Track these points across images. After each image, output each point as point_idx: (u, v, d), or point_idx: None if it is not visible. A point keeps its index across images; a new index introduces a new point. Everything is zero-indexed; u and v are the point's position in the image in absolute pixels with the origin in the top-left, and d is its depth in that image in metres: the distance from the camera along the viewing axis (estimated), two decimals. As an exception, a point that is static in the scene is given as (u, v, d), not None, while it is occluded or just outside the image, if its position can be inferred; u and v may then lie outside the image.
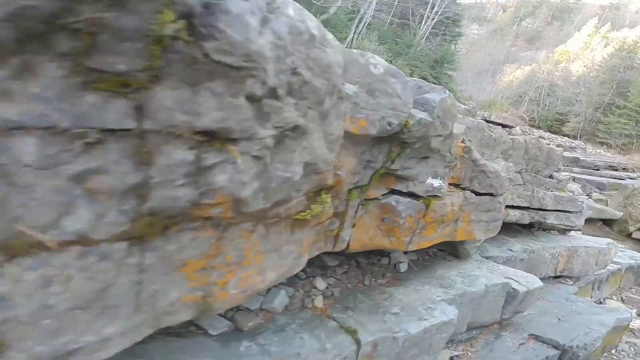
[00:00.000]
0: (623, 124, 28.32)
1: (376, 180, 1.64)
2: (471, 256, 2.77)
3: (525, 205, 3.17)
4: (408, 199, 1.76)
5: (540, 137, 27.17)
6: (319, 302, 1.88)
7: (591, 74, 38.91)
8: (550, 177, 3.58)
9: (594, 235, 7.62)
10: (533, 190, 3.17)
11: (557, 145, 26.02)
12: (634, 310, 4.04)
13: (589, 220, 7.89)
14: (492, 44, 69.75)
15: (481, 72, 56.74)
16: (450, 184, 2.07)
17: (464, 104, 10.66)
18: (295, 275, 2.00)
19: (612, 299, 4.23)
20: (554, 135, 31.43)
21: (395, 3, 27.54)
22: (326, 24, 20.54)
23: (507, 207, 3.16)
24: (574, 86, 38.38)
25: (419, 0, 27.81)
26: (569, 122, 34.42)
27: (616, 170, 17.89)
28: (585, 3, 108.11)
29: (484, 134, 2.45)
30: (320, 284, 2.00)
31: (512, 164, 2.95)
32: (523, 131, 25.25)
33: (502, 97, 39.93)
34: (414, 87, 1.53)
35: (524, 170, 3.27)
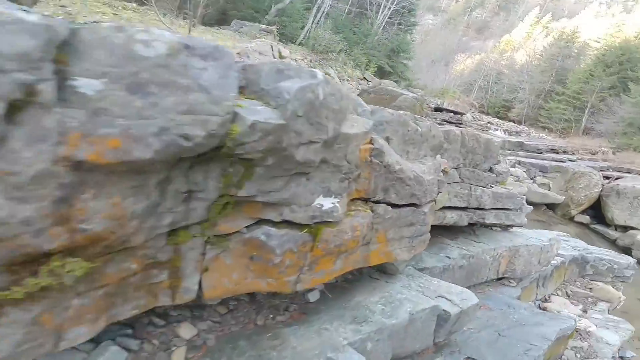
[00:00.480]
0: (562, 109, 29.93)
1: (225, 210, 1.07)
2: (402, 272, 2.32)
3: (463, 205, 2.78)
4: (284, 231, 1.22)
5: (489, 122, 28.03)
6: (178, 357, 1.30)
7: (533, 63, 40.79)
8: (490, 170, 3.23)
9: (539, 221, 7.72)
10: (471, 188, 2.78)
11: (504, 130, 27.02)
12: (579, 307, 3.88)
13: (534, 205, 7.94)
14: (445, 34, 71.55)
15: (435, 61, 57.96)
16: (356, 199, 1.55)
17: (412, 92, 10.45)
18: (151, 322, 1.41)
19: (557, 294, 4.06)
20: (501, 121, 32.76)
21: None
22: (282, 13, 19.52)
23: (444, 208, 2.74)
24: (518, 74, 40.11)
25: None
26: (514, 108, 36.02)
27: (557, 153, 18.74)
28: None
29: (407, 129, 1.96)
30: (186, 331, 1.42)
31: (446, 160, 2.52)
32: (473, 117, 25.95)
33: (454, 85, 40.93)
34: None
35: (461, 165, 2.86)
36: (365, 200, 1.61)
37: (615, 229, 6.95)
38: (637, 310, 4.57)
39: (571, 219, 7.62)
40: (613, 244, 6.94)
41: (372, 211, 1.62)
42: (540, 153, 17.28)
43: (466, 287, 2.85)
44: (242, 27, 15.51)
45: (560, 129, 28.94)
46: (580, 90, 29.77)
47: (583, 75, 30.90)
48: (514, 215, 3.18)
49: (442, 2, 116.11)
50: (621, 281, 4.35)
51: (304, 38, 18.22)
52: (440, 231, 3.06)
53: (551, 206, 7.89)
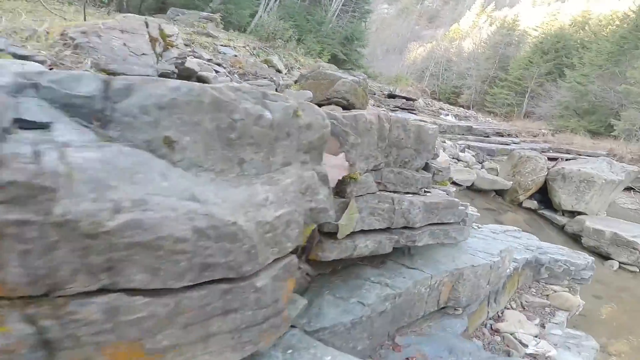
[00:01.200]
0: (505, 94, 30.72)
1: None
2: (275, 343, 1.32)
3: (384, 226, 1.84)
4: None
5: (440, 108, 28.07)
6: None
7: (479, 51, 41.68)
8: (425, 168, 2.34)
9: (489, 209, 7.18)
10: (394, 200, 1.84)
11: (455, 115, 27.22)
12: (536, 321, 3.15)
13: (483, 192, 7.37)
14: (399, 23, 71.72)
15: (389, 49, 57.88)
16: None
17: (354, 75, 9.70)
18: None
19: (512, 306, 3.34)
20: (451, 106, 33.14)
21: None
22: (228, 0, 17.85)
23: (356, 233, 1.76)
24: (465, 62, 40.83)
25: None
26: (463, 94, 36.62)
27: (502, 136, 18.91)
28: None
29: (230, 117, 0.92)
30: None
31: (350, 161, 1.53)
32: (426, 103, 25.74)
33: (408, 72, 40.97)
34: None
35: (382, 165, 1.91)
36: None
37: (563, 214, 6.50)
38: (595, 312, 4.01)
39: (520, 204, 7.13)
40: (562, 230, 6.50)
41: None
42: (487, 137, 17.32)
43: (396, 330, 1.93)
44: (178, 15, 13.84)
45: (504, 113, 29.72)
46: (521, 76, 30.64)
47: (523, 62, 31.82)
48: (454, 231, 2.29)
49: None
50: (579, 283, 3.72)
51: (255, 26, 16.82)
52: (359, 259, 2.12)
53: (500, 192, 7.35)
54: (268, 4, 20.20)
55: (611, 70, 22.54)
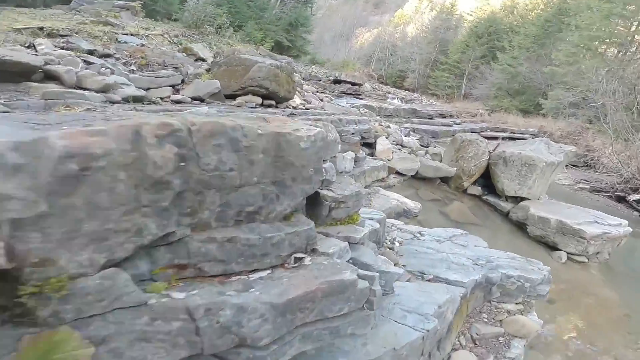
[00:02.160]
0: (446, 77, 31.11)
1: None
2: None
3: (183, 355, 0.77)
4: None
5: (387, 92, 27.62)
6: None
7: (421, 35, 41.85)
8: (312, 206, 1.31)
9: (435, 200, 6.46)
10: (191, 312, 0.79)
11: (401, 99, 26.97)
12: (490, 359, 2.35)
13: (428, 180, 6.64)
14: (346, 9, 70.24)
15: (337, 35, 56.52)
16: None
17: (276, 59, 8.07)
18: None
19: (460, 344, 2.52)
20: (398, 90, 33.13)
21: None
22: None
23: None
24: (409, 46, 40.82)
25: None
26: (408, 77, 36.68)
27: (445, 117, 18.82)
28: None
29: None
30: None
31: None
32: (373, 88, 25.03)
33: (355, 58, 40.12)
34: None
35: (177, 233, 0.81)
36: None
37: (507, 200, 5.92)
38: (553, 326, 3.35)
39: (465, 191, 6.50)
40: (506, 217, 5.95)
41: None
42: (431, 118, 17.05)
43: None
44: (82, 5, 11.49)
45: (446, 95, 30.13)
46: (459, 59, 31.13)
47: (460, 45, 32.34)
48: (351, 324, 1.27)
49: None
50: (534, 299, 2.99)
51: (184, 14, 14.76)
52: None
53: (445, 179, 6.66)
54: (208, -9, 17.99)
55: (537, 53, 23.35)
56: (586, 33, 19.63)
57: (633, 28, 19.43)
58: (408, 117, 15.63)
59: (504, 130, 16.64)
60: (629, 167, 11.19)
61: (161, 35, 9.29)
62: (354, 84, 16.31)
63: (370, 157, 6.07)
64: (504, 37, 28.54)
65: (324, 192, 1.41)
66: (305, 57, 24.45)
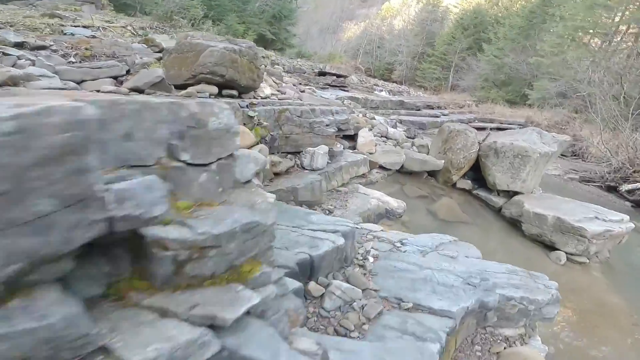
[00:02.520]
0: (433, 69, 30.58)
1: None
2: None
3: None
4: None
5: (375, 84, 26.93)
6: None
7: (408, 28, 41.18)
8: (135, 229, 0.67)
9: (422, 197, 5.79)
10: None
11: (389, 91, 26.29)
12: None
13: (415, 174, 6.03)
14: (335, 2, 68.91)
15: (324, 29, 55.45)
16: None
17: (235, 42, 7.35)
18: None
19: None
20: (385, 82, 32.48)
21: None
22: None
23: None
24: (397, 39, 40.13)
25: None
26: (395, 70, 36.07)
27: (432, 108, 18.28)
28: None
29: None
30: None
31: None
32: (360, 80, 24.31)
33: (342, 51, 39.24)
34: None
35: None
36: None
37: (499, 194, 5.35)
38: (558, 348, 2.77)
39: (454, 185, 5.93)
40: (499, 214, 5.39)
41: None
42: (419, 110, 16.46)
43: None
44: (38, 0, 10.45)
45: (433, 87, 29.64)
46: (446, 51, 30.60)
47: (447, 37, 31.79)
48: None
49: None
50: (540, 321, 2.40)
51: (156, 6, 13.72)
52: None
53: (432, 173, 6.06)
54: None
55: (522, 44, 22.97)
56: (570, 24, 19.40)
57: (617, 19, 19.18)
58: (395, 109, 15.03)
59: (491, 121, 16.18)
60: (618, 156, 10.83)
61: (123, 27, 8.46)
62: (339, 76, 15.59)
63: (350, 151, 5.42)
64: (490, 28, 28.15)
65: (154, 232, 0.75)
66: (291, 50, 23.48)
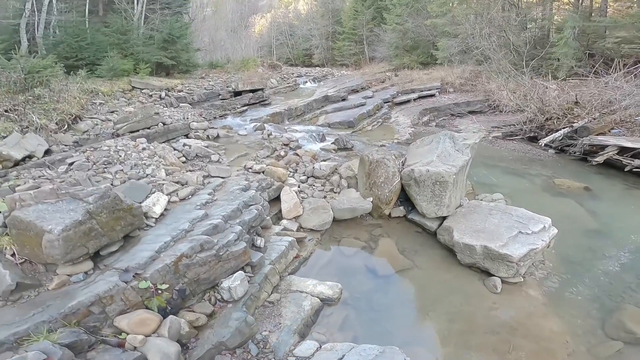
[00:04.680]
0: (348, 45, 30.20)
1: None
2: None
3: None
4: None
5: (297, 77, 25.76)
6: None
7: (313, 10, 40.07)
8: None
9: (357, 244, 5.43)
10: None
11: (313, 79, 25.31)
12: None
13: (351, 221, 5.63)
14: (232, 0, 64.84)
15: (232, 29, 52.31)
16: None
17: (86, 200, 5.60)
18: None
19: None
20: (308, 69, 31.52)
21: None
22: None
23: None
24: (306, 23, 38.99)
25: None
26: (314, 54, 35.26)
27: (357, 91, 17.92)
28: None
29: None
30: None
31: None
32: (281, 79, 23.14)
33: (256, 48, 37.25)
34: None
35: None
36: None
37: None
38: None
39: (389, 216, 5.65)
40: (435, 238, 5.21)
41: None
42: (345, 100, 15.84)
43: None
44: None
45: (354, 63, 29.41)
46: (353, 26, 30.25)
47: (350, 12, 31.36)
48: None
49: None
50: None
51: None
52: None
53: (364, 215, 5.77)
54: (38, 30, 14.20)
55: (416, 7, 23.04)
56: None
57: None
58: (321, 107, 14.45)
59: (412, 91, 16.28)
60: (527, 107, 11.34)
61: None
62: (254, 91, 14.62)
63: (275, 232, 4.86)
64: None
65: None
66: (197, 69, 21.16)
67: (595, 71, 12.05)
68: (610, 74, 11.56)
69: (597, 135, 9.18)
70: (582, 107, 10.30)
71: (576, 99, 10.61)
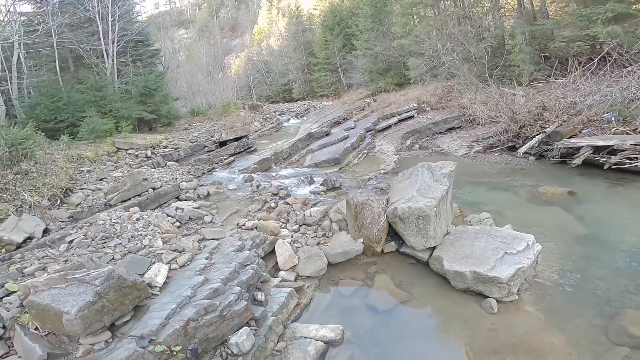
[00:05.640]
0: (324, 76, 31.70)
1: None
2: None
3: None
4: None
5: (280, 114, 26.81)
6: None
7: (285, 44, 42.22)
8: None
9: (355, 284, 5.80)
10: None
11: (296, 115, 26.28)
12: None
13: (346, 262, 5.98)
14: (204, 44, 67.83)
15: (209, 71, 54.43)
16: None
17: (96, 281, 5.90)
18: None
19: None
20: (290, 105, 32.83)
21: (55, 43, 19.08)
22: None
23: None
24: (280, 58, 40.94)
25: (89, 35, 20.68)
26: (293, 88, 36.71)
27: (340, 123, 18.81)
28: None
29: None
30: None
31: None
32: (264, 120, 24.07)
33: (235, 89, 38.67)
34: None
35: None
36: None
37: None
38: None
39: (382, 252, 6.02)
40: (428, 266, 5.58)
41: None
42: (328, 134, 16.56)
43: None
44: None
45: (333, 92, 30.74)
46: (326, 55, 31.88)
47: (321, 43, 33.13)
48: None
49: (187, 14, 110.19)
50: None
51: None
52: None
53: (358, 255, 6.14)
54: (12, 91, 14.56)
55: (380, 30, 24.47)
56: (403, 2, 20.37)
57: None
58: (306, 146, 15.06)
59: (392, 115, 17.22)
60: (500, 117, 12.10)
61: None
62: (238, 139, 15.29)
63: (274, 285, 5.20)
64: (351, 23, 29.27)
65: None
66: (179, 120, 21.47)
67: (554, 73, 13.02)
68: (567, 76, 12.46)
69: (569, 138, 9.86)
70: (550, 112, 11.09)
71: (543, 104, 11.45)
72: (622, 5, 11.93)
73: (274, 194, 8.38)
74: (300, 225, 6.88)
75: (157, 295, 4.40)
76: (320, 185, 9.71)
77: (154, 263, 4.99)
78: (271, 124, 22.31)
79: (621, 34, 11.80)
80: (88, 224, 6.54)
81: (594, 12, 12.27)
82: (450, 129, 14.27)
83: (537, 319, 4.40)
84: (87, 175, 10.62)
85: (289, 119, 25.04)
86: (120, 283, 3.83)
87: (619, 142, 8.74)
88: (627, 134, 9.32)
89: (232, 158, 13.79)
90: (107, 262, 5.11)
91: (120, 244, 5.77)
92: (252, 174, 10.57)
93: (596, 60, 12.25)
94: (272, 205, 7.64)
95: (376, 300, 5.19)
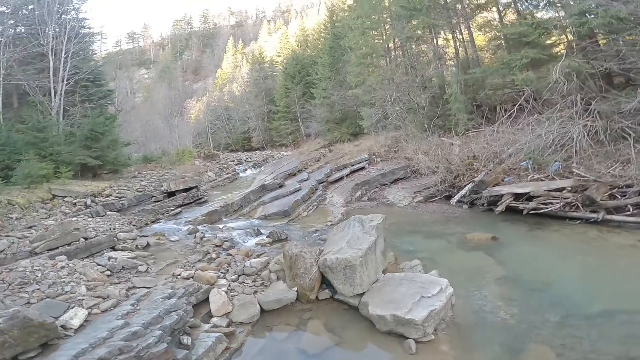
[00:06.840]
0: (283, 124, 33.38)
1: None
2: None
3: None
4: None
5: (236, 164, 27.27)
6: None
7: (246, 90, 44.25)
8: None
9: (288, 330, 6.20)
10: None
11: (253, 165, 26.75)
12: None
13: (282, 309, 6.40)
14: (165, 85, 68.80)
15: (167, 115, 54.74)
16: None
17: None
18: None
19: None
20: (247, 154, 33.46)
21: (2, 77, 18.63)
22: None
23: None
24: (241, 105, 42.62)
25: (37, 72, 20.47)
26: (252, 137, 37.87)
27: (294, 174, 19.76)
28: (220, 26, 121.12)
29: None
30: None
31: None
32: (220, 170, 24.49)
33: (192, 135, 39.24)
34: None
35: None
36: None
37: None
38: None
39: (317, 299, 6.53)
40: (358, 311, 6.14)
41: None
42: (282, 186, 16.74)
43: None
44: None
45: (292, 141, 32.22)
46: (286, 104, 33.86)
47: (282, 90, 35.21)
48: None
49: (149, 54, 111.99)
50: None
51: None
52: None
53: (294, 302, 6.61)
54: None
55: (337, 79, 26.62)
56: (358, 52, 22.28)
57: (385, 37, 22.36)
58: (259, 198, 15.11)
59: (345, 166, 18.57)
60: (437, 167, 13.62)
61: None
62: (188, 190, 15.54)
63: (204, 330, 5.48)
64: (311, 71, 31.06)
65: None
66: (127, 167, 21.06)
67: (484, 122, 14.62)
68: (495, 124, 13.82)
69: (493, 186, 11.39)
70: (479, 161, 12.70)
71: (473, 153, 13.16)
72: (534, 50, 13.21)
73: (217, 246, 8.74)
74: (239, 275, 7.28)
75: (71, 336, 4.58)
76: (267, 237, 10.20)
77: (72, 307, 5.16)
78: (227, 174, 22.53)
79: (534, 80, 12.92)
80: (8, 270, 6.54)
81: (512, 59, 13.47)
82: (396, 180, 15.69)
83: (452, 357, 5.05)
84: (15, 223, 10.32)
85: (246, 169, 25.22)
86: (26, 322, 4.14)
87: (534, 188, 10.35)
88: (541, 180, 10.88)
89: (179, 209, 13.89)
90: (21, 305, 5.19)
91: (39, 289, 5.88)
92: (198, 226, 10.82)
93: (515, 108, 13.22)
94: (214, 256, 7.99)
95: (308, 344, 5.61)
